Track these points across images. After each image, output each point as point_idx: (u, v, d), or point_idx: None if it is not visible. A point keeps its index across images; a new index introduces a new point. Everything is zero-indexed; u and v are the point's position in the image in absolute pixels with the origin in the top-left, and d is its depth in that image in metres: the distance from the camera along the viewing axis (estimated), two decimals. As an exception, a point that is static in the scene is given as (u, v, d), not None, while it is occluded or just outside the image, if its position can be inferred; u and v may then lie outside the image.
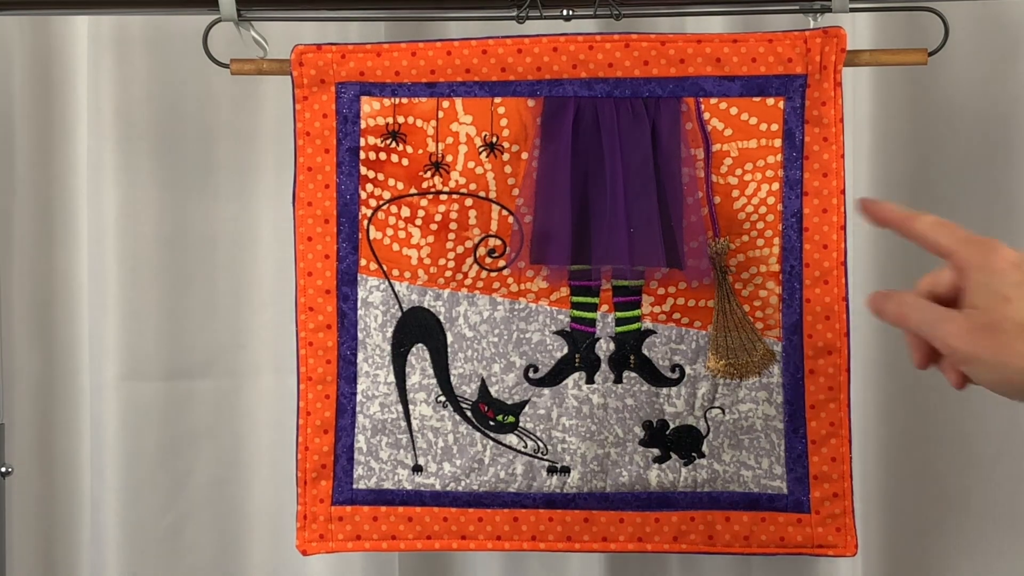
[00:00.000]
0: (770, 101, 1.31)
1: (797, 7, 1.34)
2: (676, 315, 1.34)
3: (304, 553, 1.37)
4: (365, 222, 1.34)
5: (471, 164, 1.33)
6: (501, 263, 1.34)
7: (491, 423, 1.35)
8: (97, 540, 1.62)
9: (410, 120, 1.33)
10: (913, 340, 0.92)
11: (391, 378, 1.35)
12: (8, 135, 1.60)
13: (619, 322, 1.34)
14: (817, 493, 1.34)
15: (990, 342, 0.86)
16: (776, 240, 1.32)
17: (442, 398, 1.35)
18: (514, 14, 1.32)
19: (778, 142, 1.31)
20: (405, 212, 1.34)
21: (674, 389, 1.34)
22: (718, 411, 1.34)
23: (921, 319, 0.90)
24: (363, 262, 1.34)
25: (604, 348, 1.35)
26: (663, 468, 1.35)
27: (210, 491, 1.64)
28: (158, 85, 1.59)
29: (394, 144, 1.33)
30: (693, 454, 1.35)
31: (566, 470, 1.35)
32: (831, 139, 1.31)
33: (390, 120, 1.33)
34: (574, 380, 1.35)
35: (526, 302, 1.35)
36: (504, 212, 1.33)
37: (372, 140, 1.33)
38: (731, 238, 1.32)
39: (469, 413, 1.35)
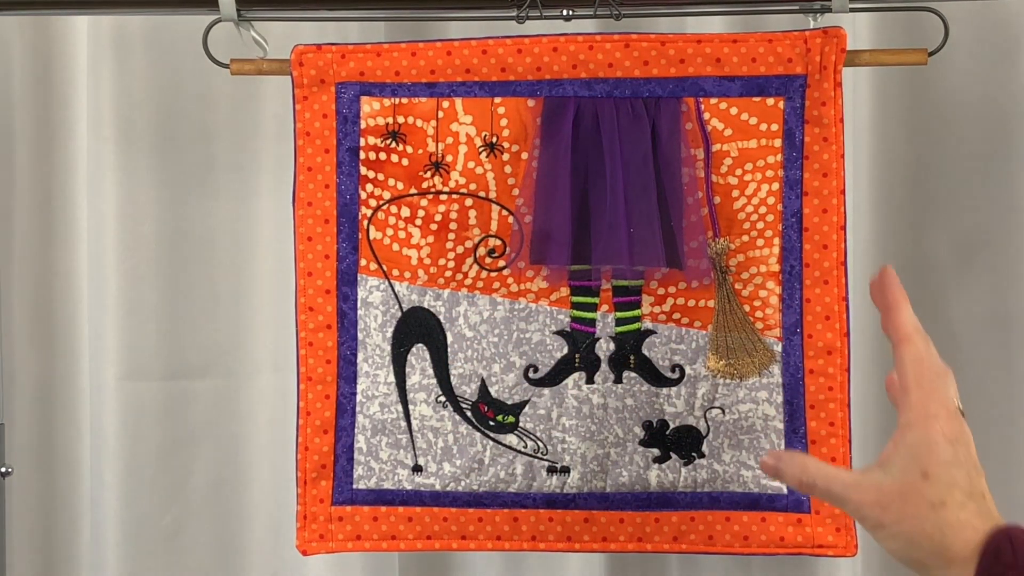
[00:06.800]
0: (770, 101, 1.31)
1: (797, 7, 1.34)
2: (676, 315, 1.34)
3: (304, 553, 1.37)
4: (365, 222, 1.34)
5: (471, 164, 1.33)
6: (501, 263, 1.34)
7: (491, 423, 1.35)
8: (97, 540, 1.62)
9: (410, 120, 1.33)
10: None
11: (391, 378, 1.35)
12: (8, 135, 1.60)
13: (619, 322, 1.34)
14: (817, 493, 1.34)
15: (898, 512, 0.83)
16: (776, 240, 1.32)
17: (442, 398, 1.35)
18: (514, 14, 1.32)
19: (778, 142, 1.31)
20: (405, 212, 1.34)
21: (674, 389, 1.34)
22: (718, 411, 1.34)
23: (827, 488, 0.86)
24: (363, 262, 1.34)
25: (604, 348, 1.34)
26: (663, 468, 1.35)
27: (210, 491, 1.64)
28: (158, 85, 1.59)
29: (394, 144, 1.33)
30: (693, 454, 1.35)
31: (566, 470, 1.35)
32: (831, 139, 1.31)
33: (390, 120, 1.33)
34: (574, 380, 1.35)
35: (526, 302, 1.34)
36: (504, 212, 1.33)
37: (372, 140, 1.33)
38: (731, 238, 1.32)
39: (469, 413, 1.35)
